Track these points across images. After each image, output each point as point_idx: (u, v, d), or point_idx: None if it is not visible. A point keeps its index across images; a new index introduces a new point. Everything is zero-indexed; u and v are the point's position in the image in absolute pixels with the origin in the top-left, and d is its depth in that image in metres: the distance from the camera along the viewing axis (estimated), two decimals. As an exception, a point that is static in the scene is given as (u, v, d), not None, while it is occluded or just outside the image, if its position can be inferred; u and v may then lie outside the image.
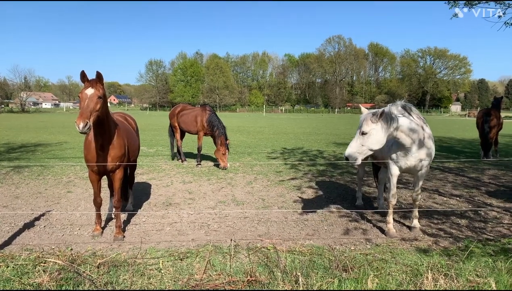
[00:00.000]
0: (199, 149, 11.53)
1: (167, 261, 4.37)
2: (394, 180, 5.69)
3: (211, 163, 11.98)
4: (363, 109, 5.45)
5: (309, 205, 7.34)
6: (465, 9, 5.94)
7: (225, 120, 11.93)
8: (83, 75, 4.69)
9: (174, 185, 8.90)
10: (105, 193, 6.95)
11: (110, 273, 3.96)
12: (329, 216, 6.66)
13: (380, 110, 4.92)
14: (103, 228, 5.79)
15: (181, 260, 4.46)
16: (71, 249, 4.87)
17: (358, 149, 4.89)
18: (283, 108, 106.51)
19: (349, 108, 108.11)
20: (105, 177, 5.76)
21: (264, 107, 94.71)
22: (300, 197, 7.92)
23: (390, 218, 5.80)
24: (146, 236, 5.57)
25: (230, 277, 3.87)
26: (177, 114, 12.07)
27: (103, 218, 6.12)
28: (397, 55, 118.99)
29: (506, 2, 5.56)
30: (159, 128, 27.29)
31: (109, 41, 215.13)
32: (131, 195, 6.95)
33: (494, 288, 3.56)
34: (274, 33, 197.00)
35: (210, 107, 11.81)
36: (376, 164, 6.79)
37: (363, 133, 4.87)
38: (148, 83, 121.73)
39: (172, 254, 4.66)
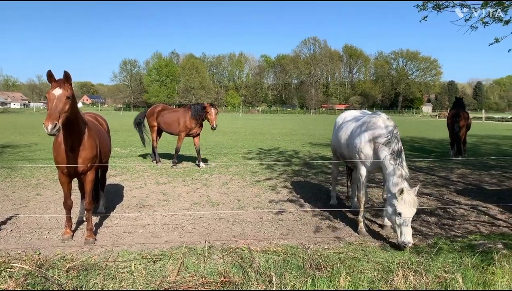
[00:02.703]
0: (177, 150, 11.41)
1: (140, 264, 4.30)
2: (363, 180, 5.82)
3: (187, 164, 11.88)
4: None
5: (284, 205, 7.39)
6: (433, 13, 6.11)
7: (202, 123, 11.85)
8: (50, 75, 4.56)
9: (148, 186, 8.77)
10: (76, 195, 6.78)
11: (80, 277, 3.87)
12: (303, 216, 6.72)
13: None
14: (73, 231, 5.64)
15: (154, 262, 4.40)
16: (39, 253, 4.72)
17: None
18: (260, 109, 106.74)
19: (324, 109, 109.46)
20: (76, 178, 5.62)
21: (240, 107, 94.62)
22: (275, 197, 7.96)
23: (360, 217, 5.89)
24: (118, 239, 5.46)
25: (203, 279, 3.84)
26: (157, 114, 11.91)
27: (74, 220, 5.96)
28: (370, 57, 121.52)
29: (472, 6, 5.76)
30: (133, 129, 26.81)
31: (82, 39, 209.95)
32: (103, 197, 6.80)
33: (461, 283, 3.68)
34: (250, 34, 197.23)
35: (189, 105, 11.79)
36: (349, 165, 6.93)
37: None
38: (122, 83, 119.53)
39: (145, 256, 4.59)
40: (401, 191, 4.87)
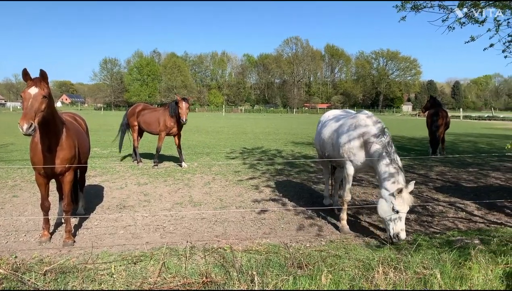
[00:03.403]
0: (158, 150, 11.30)
1: (120, 265, 4.23)
2: (350, 179, 5.86)
3: (168, 164, 11.77)
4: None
5: (266, 204, 7.40)
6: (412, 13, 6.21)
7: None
8: (25, 74, 4.44)
9: (128, 187, 8.65)
10: (54, 196, 6.63)
11: (58, 280, 3.78)
12: (286, 214, 6.74)
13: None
14: (51, 234, 5.52)
15: (135, 263, 4.34)
16: (16, 257, 4.60)
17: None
18: (243, 108, 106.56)
19: (307, 108, 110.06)
20: (54, 179, 5.50)
21: (223, 107, 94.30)
22: (258, 196, 7.96)
23: (344, 215, 5.95)
24: (98, 240, 5.37)
25: (185, 279, 3.81)
26: (138, 114, 11.78)
27: (52, 222, 5.82)
28: (352, 57, 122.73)
29: (449, 7, 5.88)
30: (114, 129, 26.40)
31: (61, 37, 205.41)
32: (82, 198, 6.68)
33: (439, 279, 3.75)
34: (233, 33, 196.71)
35: (169, 103, 11.68)
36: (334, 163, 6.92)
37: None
38: (103, 82, 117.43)
39: (125, 258, 4.52)
40: (400, 190, 4.97)
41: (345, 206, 5.95)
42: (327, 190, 7.46)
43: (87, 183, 8.13)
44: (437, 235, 5.61)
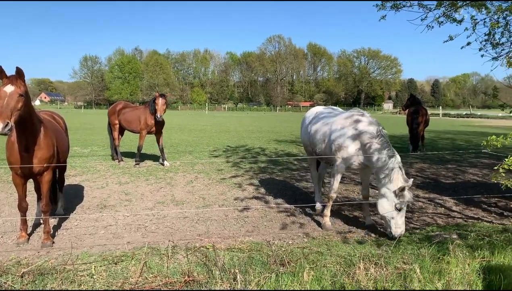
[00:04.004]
0: (139, 148, 11.16)
1: (100, 266, 4.17)
2: (339, 177, 5.87)
3: (150, 163, 11.65)
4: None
5: (249, 202, 7.40)
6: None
7: (166, 119, 11.65)
8: (0, 72, 4.33)
9: (109, 186, 8.52)
10: (32, 196, 6.49)
11: (36, 282, 3.70)
12: (269, 212, 6.76)
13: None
14: (29, 235, 5.40)
15: (116, 264, 4.28)
16: (-8, 259, 4.48)
17: None
18: (226, 107, 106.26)
19: (290, 106, 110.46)
20: (32, 179, 5.37)
21: (206, 105, 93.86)
22: (241, 194, 7.96)
23: (328, 212, 5.98)
24: (78, 241, 5.28)
25: (167, 279, 3.78)
26: (118, 112, 11.61)
27: (30, 223, 5.70)
28: (334, 55, 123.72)
29: (428, 6, 5.98)
30: (94, 127, 26.04)
31: (39, 34, 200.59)
32: (61, 198, 6.55)
33: (419, 273, 3.82)
34: (215, 31, 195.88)
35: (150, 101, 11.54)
36: (319, 160, 6.92)
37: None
38: (83, 80, 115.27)
39: (106, 258, 4.46)
40: (402, 188, 5.04)
41: (330, 203, 5.97)
42: (318, 195, 6.98)
43: (67, 182, 7.98)
44: (417, 231, 5.72)
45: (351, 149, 5.58)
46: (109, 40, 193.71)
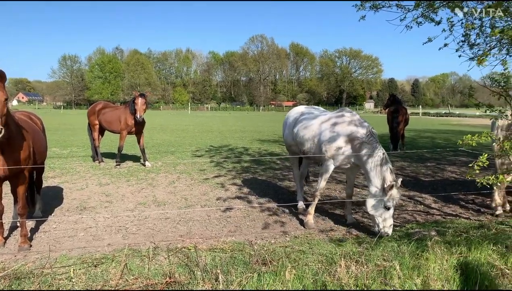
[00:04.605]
0: (119, 149, 11.00)
1: (79, 269, 4.09)
2: (327, 176, 5.89)
3: (131, 163, 11.50)
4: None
5: (232, 202, 7.39)
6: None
7: (147, 119, 11.54)
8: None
9: (89, 187, 8.38)
10: (8, 199, 6.33)
11: (12, 286, 3.61)
12: (251, 212, 6.76)
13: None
14: (6, 238, 5.26)
15: (95, 266, 4.21)
16: (-34, 264, 4.35)
17: None
18: (209, 106, 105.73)
19: (273, 106, 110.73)
20: (8, 181, 5.23)
21: (189, 105, 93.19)
22: (223, 194, 7.94)
23: (312, 210, 6.00)
24: (56, 244, 5.18)
25: (148, 280, 3.73)
26: (98, 112, 11.41)
27: (6, 227, 5.56)
28: (316, 55, 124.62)
29: (407, 6, 6.07)
30: (74, 128, 25.54)
31: (16, 32, 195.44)
32: (39, 200, 6.40)
33: (398, 270, 3.88)
34: (197, 30, 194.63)
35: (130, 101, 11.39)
36: (305, 159, 6.93)
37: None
38: (62, 80, 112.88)
39: (85, 260, 4.38)
40: (391, 187, 5.08)
41: (315, 201, 5.98)
42: (300, 194, 7.08)
43: (45, 184, 7.82)
44: (397, 228, 5.81)
45: (342, 148, 5.60)
46: (89, 39, 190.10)
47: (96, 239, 5.37)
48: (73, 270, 4.00)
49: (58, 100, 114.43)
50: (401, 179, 5.34)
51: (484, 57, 4.50)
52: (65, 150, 14.34)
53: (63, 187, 8.30)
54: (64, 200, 7.34)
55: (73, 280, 3.79)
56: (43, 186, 6.68)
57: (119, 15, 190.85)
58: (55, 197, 7.52)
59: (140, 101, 10.43)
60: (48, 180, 8.74)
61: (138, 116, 10.40)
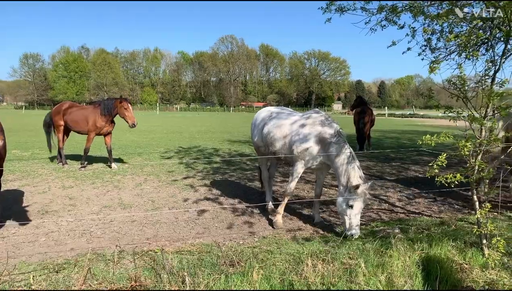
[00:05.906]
0: (86, 151, 10.64)
1: (40, 275, 3.94)
2: (297, 176, 5.91)
3: (97, 165, 11.19)
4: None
5: (201, 203, 7.33)
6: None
7: (114, 119, 11.25)
8: None
9: (52, 190, 8.08)
10: (-37, 204, 6.01)
11: (-34, 296, 3.43)
12: (220, 213, 6.73)
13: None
14: (-40, 245, 5.00)
15: (57, 272, 4.07)
16: None
17: None
18: (178, 107, 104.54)
19: (243, 107, 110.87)
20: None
21: (157, 105, 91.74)
22: (192, 196, 7.86)
23: (281, 210, 6.03)
24: (15, 250, 4.96)
25: (112, 285, 3.65)
26: (64, 112, 11.00)
27: (-40, 233, 5.28)
28: (286, 56, 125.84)
29: (371, 10, 6.23)
30: (36, 129, 24.55)
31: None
32: (-3, 204, 6.12)
33: (363, 267, 3.97)
34: (166, 29, 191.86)
35: (99, 101, 11.10)
36: (275, 160, 6.94)
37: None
38: (24, 79, 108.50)
39: (46, 266, 4.22)
40: (357, 186, 5.13)
41: (285, 201, 6.01)
42: (269, 195, 7.01)
43: (4, 187, 7.49)
44: (363, 226, 5.93)
45: (312, 149, 5.67)
46: (52, 37, 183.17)
47: (58, 244, 5.19)
48: (33, 276, 3.85)
49: (20, 100, 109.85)
50: (371, 182, 5.44)
51: (435, 65, 4.71)
52: (26, 151, 13.76)
53: (23, 190, 7.96)
54: (24, 204, 7.05)
55: (33, 286, 3.65)
56: (2, 190, 6.38)
57: (84, 13, 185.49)
58: (15, 200, 7.21)
59: (130, 107, 10.29)
60: (8, 183, 8.38)
61: (135, 123, 10.35)
